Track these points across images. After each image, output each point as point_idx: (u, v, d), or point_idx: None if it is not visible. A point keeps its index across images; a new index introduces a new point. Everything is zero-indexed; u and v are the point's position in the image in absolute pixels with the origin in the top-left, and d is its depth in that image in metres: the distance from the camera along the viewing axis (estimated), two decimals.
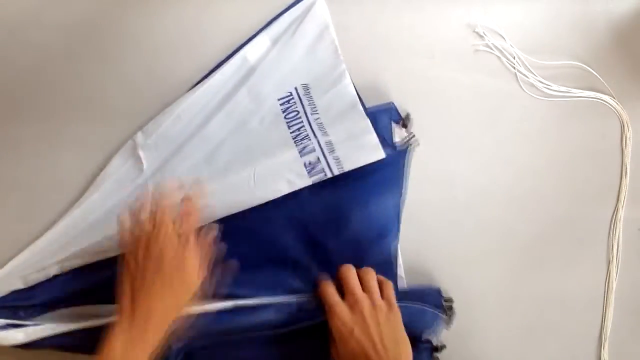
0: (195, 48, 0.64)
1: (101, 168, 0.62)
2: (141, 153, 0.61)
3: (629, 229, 0.69)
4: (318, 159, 0.61)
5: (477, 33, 0.67)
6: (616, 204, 0.69)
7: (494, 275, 0.68)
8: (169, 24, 0.64)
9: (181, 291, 0.51)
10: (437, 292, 0.64)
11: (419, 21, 0.67)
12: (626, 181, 0.69)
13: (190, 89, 0.63)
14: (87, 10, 0.64)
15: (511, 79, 0.68)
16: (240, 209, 0.60)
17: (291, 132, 0.62)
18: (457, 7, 0.67)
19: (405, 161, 0.65)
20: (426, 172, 0.66)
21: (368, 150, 0.61)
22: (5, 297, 0.61)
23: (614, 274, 0.69)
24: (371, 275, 0.59)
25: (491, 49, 0.67)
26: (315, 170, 0.60)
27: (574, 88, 0.68)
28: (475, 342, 0.66)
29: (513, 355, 0.68)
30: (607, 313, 0.69)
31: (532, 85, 0.68)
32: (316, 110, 0.63)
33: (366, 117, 0.62)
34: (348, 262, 0.61)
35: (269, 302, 0.59)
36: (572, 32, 0.68)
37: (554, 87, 0.68)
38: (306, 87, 0.63)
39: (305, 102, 0.63)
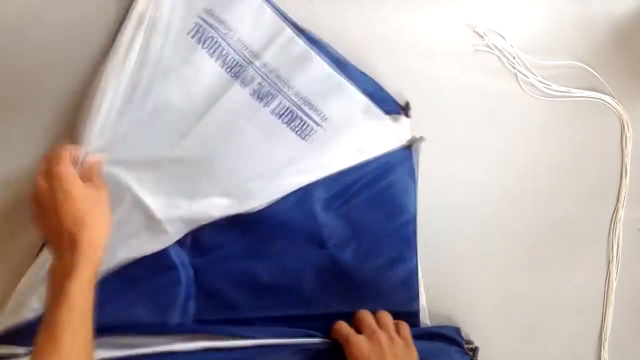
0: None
1: None
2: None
3: (629, 229, 0.69)
4: (260, 83, 0.60)
5: (477, 33, 0.67)
6: (616, 204, 0.69)
7: (494, 275, 0.68)
8: None
9: (90, 211, 0.51)
10: (457, 332, 0.65)
11: (418, 21, 0.67)
12: (626, 181, 0.69)
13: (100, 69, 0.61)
14: (87, 11, 0.64)
15: (511, 79, 0.68)
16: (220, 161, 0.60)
17: (216, 60, 0.60)
18: (457, 7, 0.67)
19: (415, 170, 0.65)
20: (426, 172, 0.66)
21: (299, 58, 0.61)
22: (26, 323, 0.60)
23: (614, 274, 0.69)
24: (387, 316, 0.59)
25: (491, 49, 0.67)
26: (261, 92, 0.60)
27: (574, 88, 0.68)
28: (475, 342, 0.66)
29: (513, 355, 0.68)
30: (607, 313, 0.69)
31: (532, 85, 0.68)
32: (229, 28, 0.60)
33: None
34: (368, 290, 0.62)
35: (288, 343, 0.59)
36: (572, 32, 0.68)
37: (554, 87, 0.68)
38: (209, 11, 0.60)
39: (215, 24, 0.60)
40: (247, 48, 0.61)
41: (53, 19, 0.63)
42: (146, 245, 0.60)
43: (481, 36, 0.67)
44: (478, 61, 0.67)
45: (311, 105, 0.62)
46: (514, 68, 0.68)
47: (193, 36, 0.60)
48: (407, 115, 0.64)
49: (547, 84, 0.68)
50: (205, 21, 0.60)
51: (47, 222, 0.51)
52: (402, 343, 0.56)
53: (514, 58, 0.67)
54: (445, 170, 0.67)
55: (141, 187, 0.60)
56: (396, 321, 0.60)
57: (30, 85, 0.63)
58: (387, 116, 0.64)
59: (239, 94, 0.60)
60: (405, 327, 0.59)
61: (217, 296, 0.61)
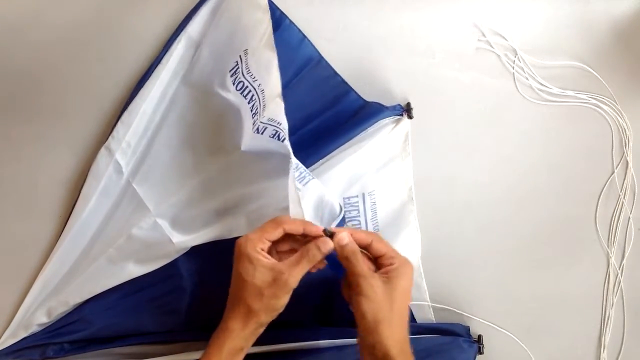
0: None
1: None
2: (118, 157, 0.61)
3: (629, 229, 0.69)
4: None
5: (478, 33, 0.67)
6: (616, 204, 0.69)
7: (494, 275, 0.68)
8: (168, 22, 0.64)
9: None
10: (466, 331, 0.65)
11: (419, 21, 0.67)
12: (626, 181, 0.69)
13: (143, 79, 0.62)
14: (86, 11, 0.64)
15: (511, 79, 0.68)
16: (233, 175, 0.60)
17: (248, 103, 0.59)
18: (458, 7, 0.67)
19: None
20: (426, 172, 0.66)
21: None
22: (34, 336, 0.61)
23: (614, 274, 0.69)
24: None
25: (492, 48, 0.67)
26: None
27: (574, 88, 0.68)
28: None
29: (513, 355, 0.68)
30: (607, 313, 0.69)
31: (533, 85, 0.68)
32: (253, 76, 0.59)
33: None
34: None
35: (339, 344, 0.59)
36: (572, 32, 0.68)
37: (555, 87, 0.68)
38: (246, 52, 0.59)
39: (245, 70, 0.59)
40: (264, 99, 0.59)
41: (53, 18, 0.63)
42: (157, 263, 0.61)
43: (482, 36, 0.67)
44: (478, 61, 0.67)
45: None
46: (514, 68, 0.67)
47: (232, 75, 0.59)
48: (409, 116, 0.64)
49: (547, 85, 0.68)
50: (242, 62, 0.59)
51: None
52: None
53: (515, 57, 0.67)
54: (445, 170, 0.67)
55: (161, 211, 0.61)
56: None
57: (30, 84, 0.63)
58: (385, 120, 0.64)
59: (260, 139, 0.58)
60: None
61: (223, 302, 0.61)
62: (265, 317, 0.49)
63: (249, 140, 0.58)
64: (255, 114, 0.57)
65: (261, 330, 0.51)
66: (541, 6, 0.68)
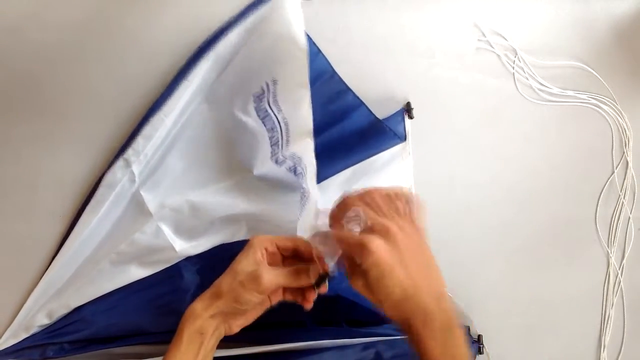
0: (194, 46, 0.63)
1: (98, 165, 0.62)
2: (134, 168, 0.61)
3: (629, 229, 0.69)
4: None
5: (478, 33, 0.67)
6: (616, 204, 0.69)
7: (494, 275, 0.68)
8: (168, 23, 0.64)
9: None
10: (466, 331, 0.65)
11: (419, 21, 0.67)
12: (626, 181, 0.69)
13: (167, 94, 0.61)
14: (86, 11, 0.63)
15: (511, 79, 0.68)
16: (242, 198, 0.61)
17: (268, 132, 0.59)
18: (458, 7, 0.67)
19: None
20: (426, 173, 0.66)
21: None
22: (34, 337, 0.61)
23: (614, 274, 0.69)
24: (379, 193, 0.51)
25: (492, 48, 0.67)
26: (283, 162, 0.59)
27: (574, 88, 0.68)
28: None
29: (513, 355, 0.68)
30: (607, 313, 0.69)
31: (533, 85, 0.68)
32: (279, 108, 0.59)
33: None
34: None
35: (339, 344, 0.60)
36: (572, 32, 0.68)
37: (554, 87, 0.68)
38: (275, 82, 0.59)
39: (271, 99, 0.59)
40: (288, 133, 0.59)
41: (52, 19, 0.63)
42: (159, 266, 0.62)
43: (482, 36, 0.67)
44: (478, 61, 0.67)
45: None
46: (514, 68, 0.68)
47: (255, 100, 0.59)
48: (409, 116, 0.64)
49: (547, 85, 0.68)
50: (268, 88, 0.58)
51: None
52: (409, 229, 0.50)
53: (515, 57, 0.67)
54: (445, 170, 0.67)
55: (163, 215, 0.61)
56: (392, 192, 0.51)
57: (29, 84, 0.63)
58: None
59: (276, 169, 0.59)
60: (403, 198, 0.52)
61: None
62: (225, 304, 0.50)
63: (264, 167, 0.59)
64: (275, 144, 0.58)
65: (218, 320, 0.50)
66: (541, 6, 0.68)
